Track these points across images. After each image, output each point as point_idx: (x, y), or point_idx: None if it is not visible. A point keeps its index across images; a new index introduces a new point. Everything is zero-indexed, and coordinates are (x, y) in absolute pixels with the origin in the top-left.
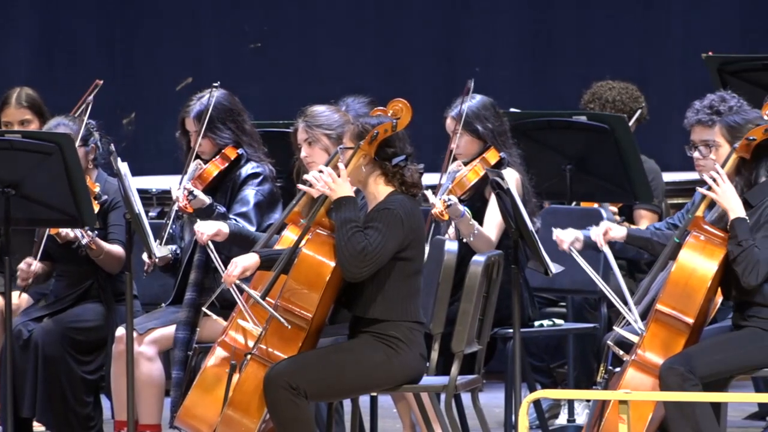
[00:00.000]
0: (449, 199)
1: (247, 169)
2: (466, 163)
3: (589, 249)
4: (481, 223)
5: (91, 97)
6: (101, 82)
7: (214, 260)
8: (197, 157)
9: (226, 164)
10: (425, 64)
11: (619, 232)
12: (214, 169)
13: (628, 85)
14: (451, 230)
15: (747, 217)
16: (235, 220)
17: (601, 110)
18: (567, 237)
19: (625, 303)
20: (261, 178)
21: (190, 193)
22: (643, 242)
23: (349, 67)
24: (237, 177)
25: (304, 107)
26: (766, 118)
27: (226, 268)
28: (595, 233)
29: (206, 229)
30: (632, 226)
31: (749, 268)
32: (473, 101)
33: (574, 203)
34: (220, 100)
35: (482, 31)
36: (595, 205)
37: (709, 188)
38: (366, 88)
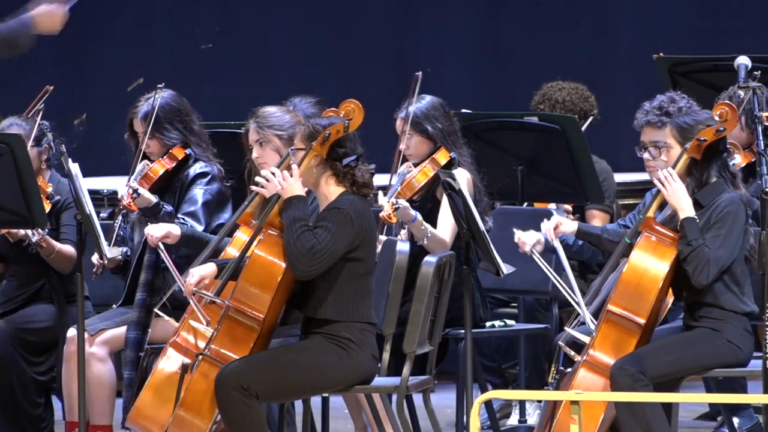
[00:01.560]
0: (397, 202)
1: (196, 168)
2: (416, 164)
3: (549, 251)
4: (433, 224)
5: (42, 104)
6: (51, 88)
7: (167, 262)
8: (146, 157)
9: (173, 164)
10: (377, 64)
11: (569, 226)
12: (160, 168)
13: (578, 86)
14: (404, 231)
15: (697, 217)
16: (183, 219)
17: (551, 111)
18: (529, 239)
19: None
20: (209, 177)
21: (135, 191)
22: (594, 238)
23: (301, 67)
24: (185, 177)
25: (256, 108)
26: (716, 119)
27: (177, 269)
28: (545, 227)
29: (156, 232)
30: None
31: (700, 267)
32: (422, 102)
33: (525, 204)
34: (167, 101)
35: (434, 31)
36: (551, 205)
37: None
38: (318, 89)
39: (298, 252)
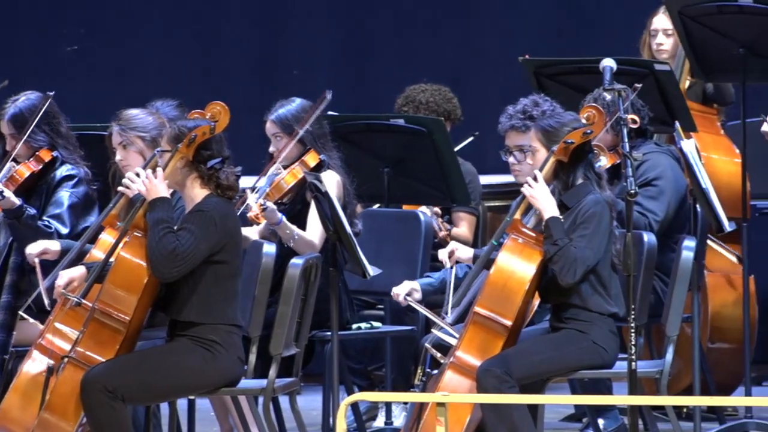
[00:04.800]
0: (265, 203)
1: (62, 171)
2: (286, 167)
3: (429, 296)
4: (302, 225)
5: None
6: None
7: (38, 277)
8: (13, 159)
9: (40, 166)
10: (244, 66)
11: (465, 253)
12: (26, 170)
13: (440, 87)
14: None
15: (561, 217)
16: (48, 222)
17: (415, 113)
18: (402, 290)
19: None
20: (76, 180)
21: (0, 193)
22: (490, 262)
23: (168, 69)
24: (51, 179)
25: (119, 111)
26: (583, 121)
27: (42, 270)
28: (442, 254)
29: (32, 249)
30: (475, 249)
31: (566, 266)
32: (292, 105)
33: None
34: (34, 103)
35: (301, 33)
36: (421, 208)
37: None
38: (185, 91)
39: (160, 254)
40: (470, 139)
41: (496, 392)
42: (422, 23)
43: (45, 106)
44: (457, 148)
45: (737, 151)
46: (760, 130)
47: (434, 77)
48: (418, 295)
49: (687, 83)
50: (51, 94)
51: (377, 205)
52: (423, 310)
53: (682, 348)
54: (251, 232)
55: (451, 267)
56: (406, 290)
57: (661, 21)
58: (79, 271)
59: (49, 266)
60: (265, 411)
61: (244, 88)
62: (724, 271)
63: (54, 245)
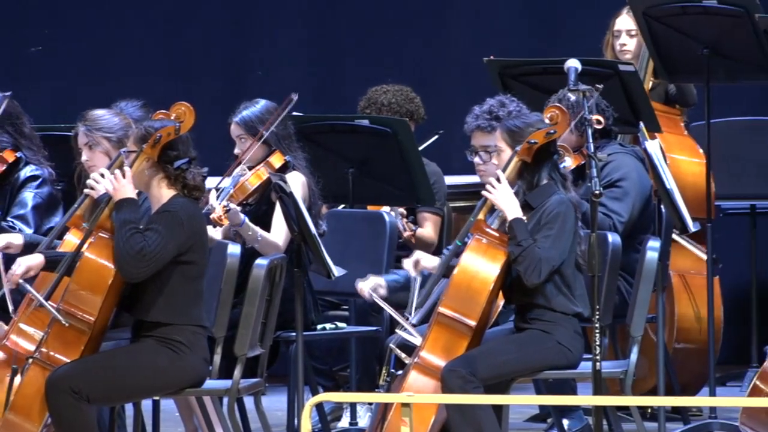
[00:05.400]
0: (228, 205)
1: (26, 172)
2: (251, 168)
3: (395, 293)
4: (268, 226)
5: None
6: None
7: (1, 272)
8: None
9: (4, 167)
10: (209, 67)
11: (430, 262)
12: None
13: (402, 88)
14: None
15: (524, 218)
16: (12, 222)
17: (378, 114)
18: (367, 285)
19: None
20: (40, 180)
21: None
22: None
23: (134, 69)
24: (15, 180)
25: (85, 111)
26: (547, 121)
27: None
28: (407, 264)
29: None
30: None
31: (531, 266)
32: (257, 106)
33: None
34: None
35: (266, 34)
36: (385, 209)
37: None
38: (150, 91)
39: (127, 254)
40: (435, 137)
41: (461, 392)
42: (388, 24)
43: (3, 106)
44: (421, 147)
45: (701, 151)
46: None
47: (400, 78)
48: (383, 291)
49: (650, 84)
50: (8, 94)
51: (342, 205)
52: (387, 308)
53: (647, 348)
54: (215, 233)
55: (416, 276)
56: (371, 285)
57: (625, 22)
58: (37, 259)
59: (12, 262)
60: (230, 411)
61: (210, 89)
62: (689, 270)
63: (17, 239)
